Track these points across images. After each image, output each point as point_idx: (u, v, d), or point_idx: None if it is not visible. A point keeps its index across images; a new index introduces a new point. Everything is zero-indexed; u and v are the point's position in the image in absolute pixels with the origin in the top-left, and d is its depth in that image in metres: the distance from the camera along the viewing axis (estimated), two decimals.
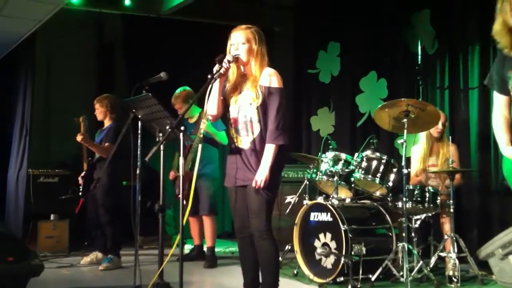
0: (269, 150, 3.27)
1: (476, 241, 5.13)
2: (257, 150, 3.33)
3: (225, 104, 3.47)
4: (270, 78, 3.34)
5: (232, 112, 3.44)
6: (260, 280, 3.47)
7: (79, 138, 5.24)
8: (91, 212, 5.46)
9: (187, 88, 5.53)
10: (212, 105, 3.40)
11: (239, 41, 3.36)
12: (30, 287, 3.77)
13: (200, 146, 4.50)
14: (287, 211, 5.55)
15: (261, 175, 3.25)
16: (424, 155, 5.08)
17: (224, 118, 3.62)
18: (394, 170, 4.72)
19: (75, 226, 6.25)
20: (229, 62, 3.29)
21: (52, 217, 6.18)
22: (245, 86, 3.40)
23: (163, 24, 7.21)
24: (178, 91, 5.53)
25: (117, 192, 5.36)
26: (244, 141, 3.38)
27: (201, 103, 4.33)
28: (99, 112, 5.52)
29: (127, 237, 5.30)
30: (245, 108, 3.37)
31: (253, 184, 3.27)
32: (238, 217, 3.49)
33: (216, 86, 3.35)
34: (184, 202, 3.27)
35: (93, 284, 4.67)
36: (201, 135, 4.94)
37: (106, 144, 5.32)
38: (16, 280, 3.64)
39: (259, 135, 3.34)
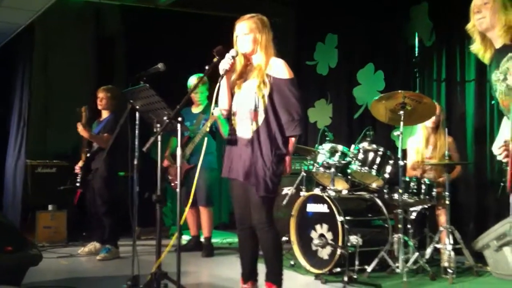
0: (290, 143, 3.35)
1: (471, 233, 5.15)
2: (260, 140, 3.29)
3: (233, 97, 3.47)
4: (280, 69, 3.33)
5: (235, 100, 3.43)
6: (258, 271, 3.52)
7: (79, 128, 5.25)
8: (89, 202, 5.48)
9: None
10: (224, 101, 3.41)
11: (243, 32, 3.35)
12: (28, 277, 3.79)
13: (204, 138, 4.50)
14: (284, 203, 5.56)
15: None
16: (422, 147, 5.10)
17: None
18: (391, 162, 4.74)
19: (73, 216, 6.28)
20: (233, 57, 3.30)
21: (50, 207, 6.20)
22: (250, 75, 3.38)
23: (161, 15, 7.19)
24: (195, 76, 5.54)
25: (115, 183, 5.38)
26: (247, 130, 3.34)
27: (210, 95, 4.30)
28: (104, 102, 5.49)
29: (125, 228, 5.33)
30: (250, 96, 3.33)
31: (258, 192, 3.29)
32: (238, 208, 3.50)
33: (224, 82, 3.36)
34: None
35: (91, 274, 4.69)
36: (208, 129, 4.96)
37: (105, 134, 5.33)
38: (15, 269, 3.66)
39: (264, 124, 3.30)
